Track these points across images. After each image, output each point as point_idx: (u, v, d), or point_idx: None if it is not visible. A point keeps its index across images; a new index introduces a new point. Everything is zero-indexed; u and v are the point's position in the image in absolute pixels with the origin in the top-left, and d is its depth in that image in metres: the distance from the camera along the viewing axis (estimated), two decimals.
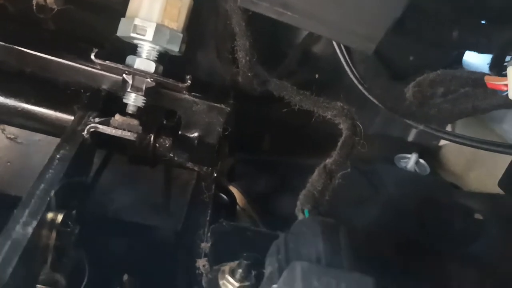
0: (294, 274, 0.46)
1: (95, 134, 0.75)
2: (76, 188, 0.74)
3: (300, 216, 0.60)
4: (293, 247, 0.54)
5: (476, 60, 1.14)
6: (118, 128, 0.75)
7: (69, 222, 0.63)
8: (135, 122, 0.75)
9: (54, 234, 0.61)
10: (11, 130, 0.90)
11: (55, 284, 0.64)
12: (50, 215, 0.61)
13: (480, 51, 0.98)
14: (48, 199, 0.60)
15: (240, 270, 0.62)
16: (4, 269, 0.50)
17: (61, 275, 0.64)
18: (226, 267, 0.65)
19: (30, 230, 0.55)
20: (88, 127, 0.73)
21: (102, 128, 0.74)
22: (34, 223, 0.55)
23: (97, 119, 0.76)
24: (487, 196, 1.16)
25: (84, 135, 0.74)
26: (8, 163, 0.92)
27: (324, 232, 0.53)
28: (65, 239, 0.63)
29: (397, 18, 0.69)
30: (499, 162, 1.14)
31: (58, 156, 0.68)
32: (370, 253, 0.91)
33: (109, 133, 0.74)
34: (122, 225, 0.95)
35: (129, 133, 0.74)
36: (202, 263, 0.67)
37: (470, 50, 1.05)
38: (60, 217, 0.62)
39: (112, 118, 0.76)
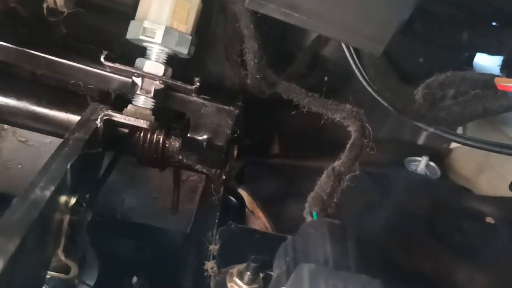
0: (302, 276, 0.46)
1: (108, 123, 0.74)
2: (88, 175, 0.74)
3: (309, 219, 0.60)
4: (301, 249, 0.54)
5: (487, 62, 1.13)
6: (131, 116, 0.74)
7: (83, 204, 0.64)
8: (147, 111, 0.75)
9: (67, 217, 0.62)
10: (22, 132, 0.90)
11: (66, 271, 0.64)
12: (63, 198, 0.61)
13: (491, 52, 0.98)
14: (65, 170, 0.60)
15: (248, 273, 0.63)
16: (23, 225, 0.50)
17: (72, 261, 0.64)
18: (234, 270, 0.65)
19: (48, 193, 0.55)
20: (101, 115, 0.73)
21: (116, 116, 0.74)
22: (52, 188, 0.56)
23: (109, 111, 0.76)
24: (499, 200, 1.15)
25: (98, 123, 0.73)
26: (19, 165, 0.93)
27: (332, 235, 0.53)
28: (78, 222, 0.64)
29: (406, 19, 0.68)
30: (511, 165, 1.13)
31: (72, 137, 0.68)
32: (379, 256, 0.90)
33: (123, 121, 0.73)
34: (131, 227, 0.96)
35: (142, 121, 0.74)
36: (210, 265, 0.68)
37: (481, 52, 1.04)
38: (73, 200, 0.63)
39: (125, 108, 0.76)
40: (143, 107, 0.76)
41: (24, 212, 0.51)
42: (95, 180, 0.80)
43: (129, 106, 0.76)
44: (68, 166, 0.61)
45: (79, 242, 0.68)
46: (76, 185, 0.64)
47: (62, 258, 0.64)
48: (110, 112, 0.74)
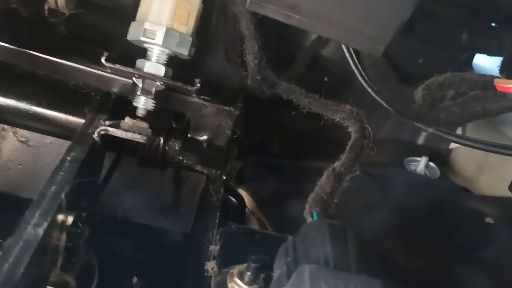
0: (302, 277, 0.46)
1: (106, 136, 0.75)
2: (87, 189, 0.75)
3: (309, 219, 0.60)
4: (301, 250, 0.54)
5: (486, 63, 1.14)
6: (128, 131, 0.75)
7: (80, 224, 0.64)
8: (144, 125, 0.76)
9: (64, 236, 0.62)
10: (23, 133, 0.90)
11: (65, 285, 0.64)
12: (60, 217, 0.61)
13: (490, 53, 0.98)
14: (59, 200, 0.60)
15: (248, 273, 0.63)
16: (15, 270, 0.50)
17: (70, 276, 0.64)
18: (235, 270, 0.65)
19: (41, 231, 0.55)
20: (98, 129, 0.74)
21: (113, 131, 0.75)
22: (45, 224, 0.56)
23: (107, 122, 0.76)
24: (498, 200, 1.15)
25: (95, 138, 0.74)
26: (20, 166, 0.93)
27: (332, 235, 0.53)
28: (75, 241, 0.64)
29: (406, 20, 0.68)
30: (510, 165, 1.13)
31: (69, 158, 0.68)
32: (379, 257, 0.91)
33: (119, 136, 0.75)
34: (132, 228, 0.96)
35: (139, 136, 0.75)
36: (211, 265, 0.68)
37: (480, 52, 1.05)
38: (70, 219, 0.62)
39: (122, 121, 0.76)
40: (140, 121, 0.76)
41: (16, 255, 0.52)
42: (93, 194, 0.80)
43: (126, 119, 0.76)
44: (63, 195, 0.61)
45: (76, 260, 0.68)
46: (73, 204, 0.64)
47: (60, 274, 0.64)
48: (107, 127, 0.75)
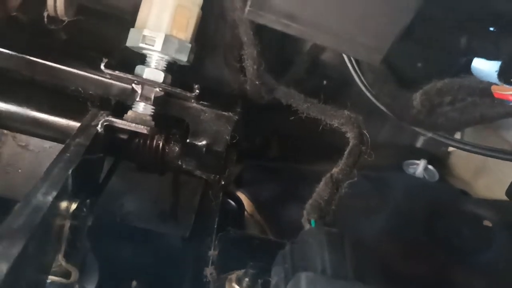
0: (299, 285, 0.47)
1: (109, 128, 0.75)
2: (91, 172, 0.75)
3: (307, 226, 0.61)
4: (299, 257, 0.55)
5: (484, 67, 1.14)
6: (131, 122, 0.75)
7: (84, 209, 0.64)
8: (147, 117, 0.76)
9: (68, 223, 0.62)
10: (22, 137, 0.90)
11: (67, 275, 0.65)
12: (64, 204, 0.61)
13: (488, 58, 0.98)
14: (67, 176, 0.60)
15: (246, 279, 0.63)
16: (25, 230, 0.50)
17: (73, 266, 0.65)
18: (233, 276, 0.66)
19: (50, 199, 0.55)
20: (102, 120, 0.74)
21: (116, 122, 0.74)
22: (54, 193, 0.56)
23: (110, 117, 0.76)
24: (496, 203, 1.16)
25: (98, 129, 0.74)
26: (19, 170, 0.93)
27: (330, 243, 0.53)
28: (79, 228, 0.64)
29: (404, 29, 0.69)
30: (508, 169, 1.13)
31: (73, 143, 0.68)
32: (378, 261, 0.91)
33: (123, 126, 0.74)
34: (130, 232, 0.96)
35: (142, 127, 0.74)
36: (209, 271, 0.68)
37: (478, 57, 1.05)
38: (74, 205, 0.62)
39: (125, 114, 0.76)
40: (143, 113, 0.76)
41: (26, 217, 0.52)
42: (95, 185, 0.81)
43: (129, 112, 0.76)
44: (70, 172, 0.61)
45: (80, 247, 0.68)
46: (77, 190, 0.64)
47: (63, 263, 0.64)
48: (110, 118, 0.74)
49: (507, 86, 0.66)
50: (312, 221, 0.60)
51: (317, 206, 0.61)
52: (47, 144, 0.90)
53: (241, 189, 1.10)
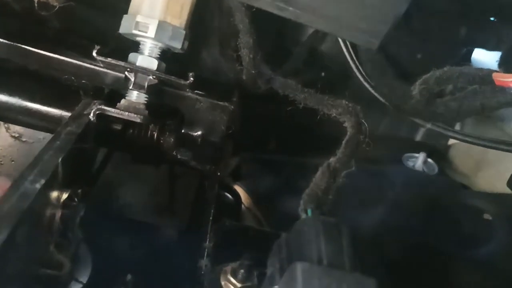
0: (295, 275, 0.46)
1: (101, 117, 0.73)
2: (83, 162, 0.73)
3: (303, 216, 0.59)
4: (295, 247, 0.53)
5: (485, 58, 1.13)
6: (124, 110, 0.73)
7: (76, 199, 0.63)
8: (141, 105, 0.74)
9: (59, 212, 0.60)
10: (16, 128, 0.90)
11: (59, 267, 0.63)
12: (55, 193, 0.60)
13: (489, 48, 0.97)
14: (56, 164, 0.58)
15: (242, 271, 0.62)
16: (11, 217, 0.48)
17: (64, 257, 0.63)
18: (228, 268, 0.65)
19: (38, 186, 0.53)
20: (94, 109, 0.72)
21: (109, 110, 0.72)
22: (42, 181, 0.54)
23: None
24: (496, 196, 1.15)
25: (91, 117, 0.72)
26: (13, 161, 0.92)
27: (326, 232, 0.52)
28: (70, 218, 0.63)
29: (402, 13, 0.67)
30: (509, 162, 1.12)
31: (64, 131, 0.66)
32: (376, 254, 0.90)
33: (116, 115, 0.72)
34: (125, 224, 0.95)
35: (135, 115, 0.72)
36: (204, 263, 0.67)
37: (479, 47, 1.04)
38: (65, 195, 0.61)
39: (118, 103, 0.75)
40: (136, 102, 0.75)
41: (13, 204, 0.50)
42: (88, 176, 0.79)
43: (123, 101, 0.75)
44: (60, 160, 0.59)
45: (72, 238, 0.67)
46: (68, 180, 0.63)
47: (55, 254, 0.63)
48: (103, 106, 0.73)
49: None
50: (309, 210, 0.58)
51: (314, 195, 0.60)
52: (41, 135, 0.89)
53: (239, 182, 1.09)
